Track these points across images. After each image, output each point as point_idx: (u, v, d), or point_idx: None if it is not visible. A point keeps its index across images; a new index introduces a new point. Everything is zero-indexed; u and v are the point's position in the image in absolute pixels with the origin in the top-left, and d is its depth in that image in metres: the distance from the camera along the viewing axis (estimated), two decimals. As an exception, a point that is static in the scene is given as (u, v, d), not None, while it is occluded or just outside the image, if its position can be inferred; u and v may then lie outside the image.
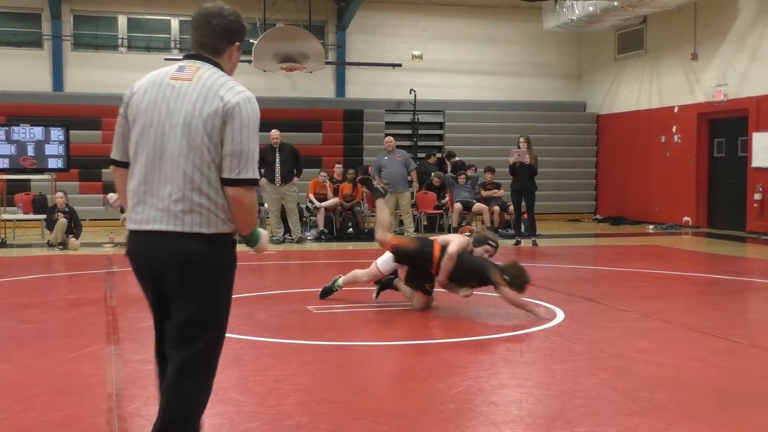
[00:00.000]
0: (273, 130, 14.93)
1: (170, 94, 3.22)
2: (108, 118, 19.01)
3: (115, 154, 3.41)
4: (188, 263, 3.18)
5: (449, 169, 17.70)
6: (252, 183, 3.21)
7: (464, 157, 18.36)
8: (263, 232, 3.46)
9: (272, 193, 14.71)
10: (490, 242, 7.70)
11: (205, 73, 3.25)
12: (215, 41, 3.32)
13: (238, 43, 3.39)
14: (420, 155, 19.33)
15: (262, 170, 14.84)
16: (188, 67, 3.28)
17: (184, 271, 3.18)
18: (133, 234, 3.28)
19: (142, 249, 3.26)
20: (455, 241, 7.40)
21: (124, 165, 3.35)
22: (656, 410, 4.55)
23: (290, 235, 15.02)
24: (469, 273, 7.38)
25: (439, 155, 19.25)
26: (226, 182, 3.18)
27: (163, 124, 3.21)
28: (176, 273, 3.19)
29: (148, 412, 4.52)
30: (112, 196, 14.43)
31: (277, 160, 14.63)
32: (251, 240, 3.38)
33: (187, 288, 3.21)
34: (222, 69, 3.32)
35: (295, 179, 14.86)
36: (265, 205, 15.84)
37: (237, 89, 3.21)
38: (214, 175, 3.18)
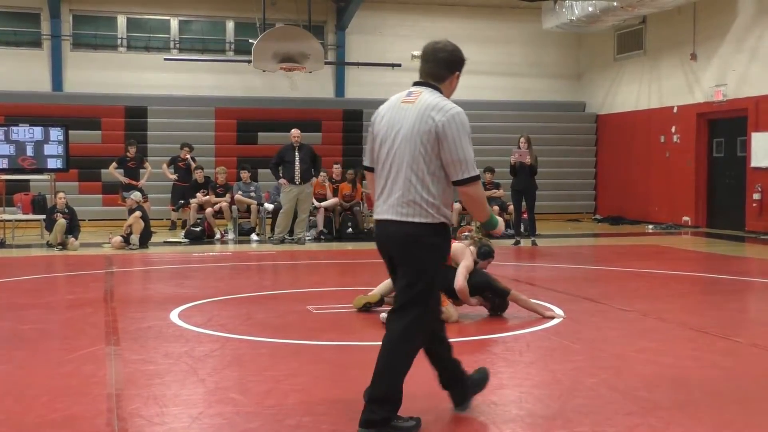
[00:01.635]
0: (294, 129, 15.09)
1: (400, 114, 4.08)
2: (107, 118, 19.06)
3: (366, 162, 4.34)
4: (405, 242, 4.09)
5: None
6: (474, 179, 4.04)
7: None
8: (500, 220, 4.38)
9: (289, 193, 14.67)
10: (493, 254, 7.78)
11: (425, 96, 4.07)
12: (440, 71, 4.16)
13: (457, 73, 4.23)
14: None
15: (281, 169, 14.87)
16: (414, 92, 4.12)
17: (403, 248, 4.10)
18: (376, 222, 4.23)
19: (381, 232, 4.21)
20: (462, 273, 7.29)
21: (373, 170, 4.27)
22: (656, 410, 4.56)
23: (290, 236, 15.00)
24: (477, 290, 7.38)
25: None
26: (456, 183, 4.05)
27: (393, 139, 4.08)
28: (398, 249, 4.12)
29: (148, 412, 4.53)
30: (137, 195, 14.50)
31: (297, 159, 14.64)
32: (488, 225, 4.29)
33: (405, 259, 4.11)
34: (442, 93, 4.14)
35: (314, 180, 14.98)
36: (265, 204, 15.85)
37: (446, 109, 4.00)
38: (428, 179, 4.02)
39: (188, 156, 16.95)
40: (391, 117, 4.12)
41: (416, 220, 4.03)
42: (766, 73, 16.04)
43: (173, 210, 17.30)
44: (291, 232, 15.07)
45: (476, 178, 4.05)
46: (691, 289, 9.83)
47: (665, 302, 8.41)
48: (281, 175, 14.82)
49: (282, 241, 14.76)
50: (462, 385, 4.54)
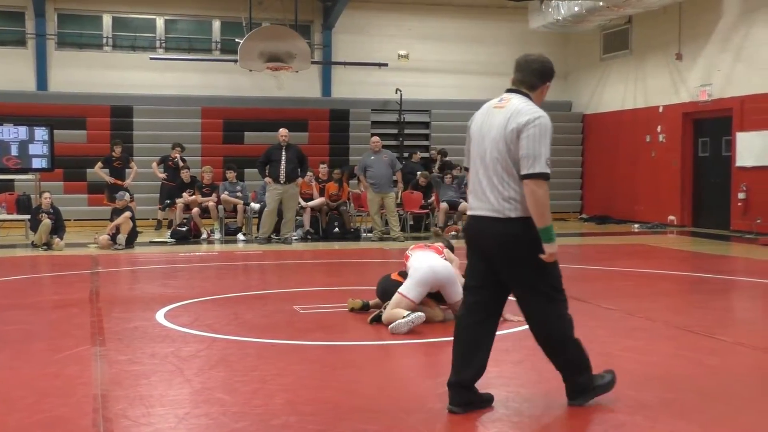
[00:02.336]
0: (282, 129, 15.01)
1: (490, 118, 4.45)
2: (93, 117, 18.97)
3: (465, 163, 4.71)
4: (504, 240, 4.36)
5: (437, 167, 17.79)
6: (541, 176, 4.22)
7: (450, 157, 18.38)
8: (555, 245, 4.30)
9: (274, 192, 14.62)
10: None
11: (514, 102, 4.41)
12: (533, 80, 4.52)
13: (548, 83, 4.59)
14: (405, 155, 19.36)
15: (267, 168, 14.83)
16: (505, 98, 4.48)
17: (502, 246, 4.38)
18: (470, 217, 4.58)
19: (475, 228, 4.51)
20: (457, 269, 7.27)
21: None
22: (642, 408, 4.58)
23: (277, 236, 14.97)
24: None
25: (431, 152, 19.20)
26: (522, 177, 4.25)
27: (483, 138, 4.45)
28: (497, 247, 4.40)
29: (134, 413, 4.51)
30: (122, 195, 14.40)
31: (283, 158, 14.60)
32: (544, 233, 4.27)
33: (506, 257, 4.39)
34: (531, 100, 4.47)
35: (299, 180, 14.89)
36: (251, 204, 15.80)
37: (530, 112, 4.31)
38: (516, 175, 4.28)
39: (177, 156, 16.88)
40: (482, 121, 4.50)
41: (512, 215, 4.32)
42: (751, 72, 16.12)
43: (161, 209, 17.25)
44: (277, 232, 15.04)
45: (544, 176, 4.24)
46: (677, 288, 9.87)
47: (651, 301, 8.44)
48: (267, 174, 14.80)
49: (268, 241, 14.72)
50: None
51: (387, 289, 7.25)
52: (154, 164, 17.05)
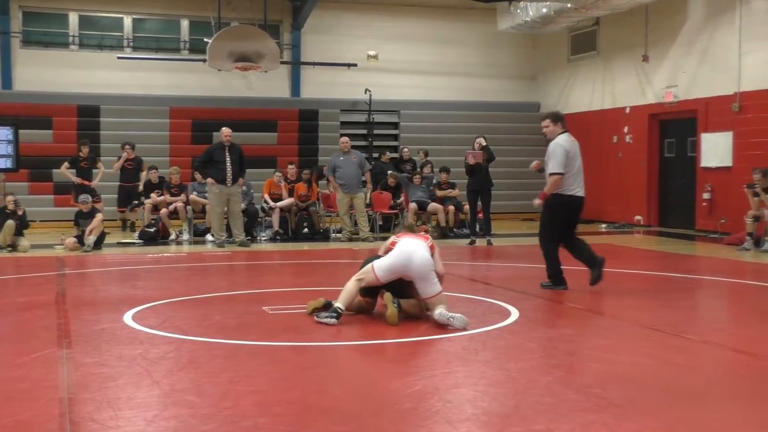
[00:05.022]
0: (224, 128, 14.40)
1: (576, 145, 9.11)
2: (59, 117, 18.77)
3: (560, 169, 8.90)
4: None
5: (420, 164, 17.72)
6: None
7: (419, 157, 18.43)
8: None
9: (219, 195, 14.11)
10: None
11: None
12: None
13: None
14: (375, 155, 19.38)
15: (209, 170, 14.40)
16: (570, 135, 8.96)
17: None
18: (577, 197, 9.17)
19: (580, 202, 9.14)
20: (439, 258, 7.32)
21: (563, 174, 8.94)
22: (609, 407, 4.62)
23: (230, 238, 14.53)
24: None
25: (403, 152, 19.21)
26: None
27: (578, 157, 9.17)
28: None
29: (101, 416, 4.47)
30: (86, 198, 14.22)
31: (228, 160, 14.02)
32: None
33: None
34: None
35: (241, 180, 14.35)
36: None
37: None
38: None
39: (129, 154, 16.73)
40: (574, 145, 9.14)
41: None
42: (715, 75, 16.34)
43: (119, 211, 17.06)
44: (229, 233, 14.68)
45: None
46: (643, 287, 9.97)
47: (618, 300, 8.53)
48: (209, 175, 14.22)
49: (223, 245, 14.17)
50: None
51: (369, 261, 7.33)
52: (115, 166, 16.82)
